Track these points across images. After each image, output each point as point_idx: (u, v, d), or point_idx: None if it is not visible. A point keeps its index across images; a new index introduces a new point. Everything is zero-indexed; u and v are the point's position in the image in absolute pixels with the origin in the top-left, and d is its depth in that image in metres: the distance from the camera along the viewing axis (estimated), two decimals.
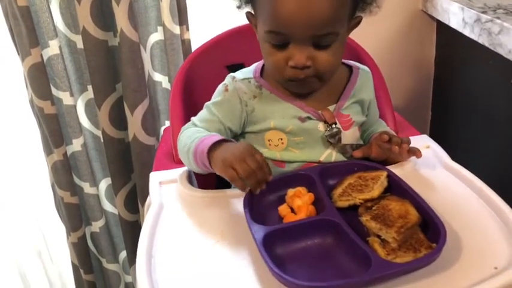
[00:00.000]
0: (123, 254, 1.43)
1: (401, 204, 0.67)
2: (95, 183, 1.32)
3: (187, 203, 0.78)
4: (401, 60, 1.36)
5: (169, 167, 0.89)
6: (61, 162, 1.24)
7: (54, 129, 1.20)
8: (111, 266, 1.43)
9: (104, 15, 1.12)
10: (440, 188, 0.77)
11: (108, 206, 1.37)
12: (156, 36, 1.20)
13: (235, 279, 0.62)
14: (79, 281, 1.42)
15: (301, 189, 0.74)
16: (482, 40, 1.04)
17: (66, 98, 1.21)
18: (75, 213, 1.31)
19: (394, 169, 0.78)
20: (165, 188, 0.82)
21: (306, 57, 0.74)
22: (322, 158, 0.83)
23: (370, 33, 1.11)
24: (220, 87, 0.85)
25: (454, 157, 0.83)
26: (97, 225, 1.36)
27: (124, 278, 1.47)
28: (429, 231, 0.64)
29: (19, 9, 1.07)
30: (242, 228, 0.69)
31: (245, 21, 0.83)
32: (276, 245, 0.64)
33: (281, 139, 0.82)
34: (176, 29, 1.17)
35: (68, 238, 1.36)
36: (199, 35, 1.22)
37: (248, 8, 0.81)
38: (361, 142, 0.89)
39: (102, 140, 1.25)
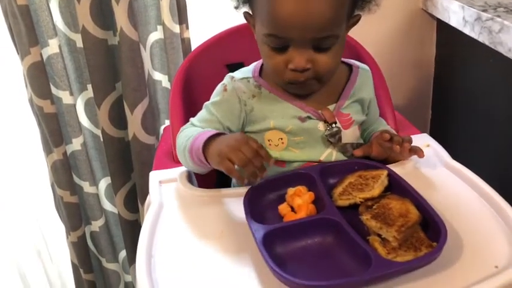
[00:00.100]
0: (122, 254, 1.43)
1: (401, 203, 0.67)
2: (94, 183, 1.32)
3: (187, 202, 0.78)
4: (401, 59, 1.36)
5: (169, 166, 0.88)
6: (61, 162, 1.23)
7: (54, 128, 1.20)
8: (110, 266, 1.43)
9: (103, 14, 1.11)
10: (440, 187, 0.77)
11: (107, 205, 1.37)
12: (155, 35, 1.20)
13: (235, 279, 0.62)
14: (79, 280, 1.41)
15: (302, 188, 0.74)
16: (483, 39, 1.04)
17: (65, 97, 1.21)
18: (75, 213, 1.31)
19: (395, 168, 0.78)
20: (165, 187, 0.82)
21: (305, 60, 0.74)
22: (322, 158, 0.83)
23: (370, 32, 1.11)
24: (219, 87, 0.85)
25: (454, 156, 0.83)
26: (97, 225, 1.36)
27: (124, 278, 1.47)
28: (430, 230, 0.64)
29: (18, 8, 1.07)
30: (242, 227, 0.69)
31: (245, 20, 0.83)
32: (276, 244, 0.64)
33: (281, 139, 0.82)
34: (176, 28, 1.17)
35: (67, 237, 1.35)
36: (199, 33, 1.22)
37: (246, 8, 0.81)
38: (361, 141, 0.89)
39: (101, 139, 1.25)
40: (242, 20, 0.83)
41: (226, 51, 1.06)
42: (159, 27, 1.18)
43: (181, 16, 1.18)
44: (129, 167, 1.27)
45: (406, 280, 0.59)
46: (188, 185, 0.81)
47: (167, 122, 1.29)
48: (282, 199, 0.74)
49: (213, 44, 1.05)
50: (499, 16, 0.99)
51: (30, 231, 1.47)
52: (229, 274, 0.63)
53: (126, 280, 1.47)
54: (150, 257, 0.66)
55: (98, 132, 1.26)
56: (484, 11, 1.04)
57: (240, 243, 0.67)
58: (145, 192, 0.87)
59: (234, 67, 0.98)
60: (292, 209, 0.72)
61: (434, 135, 0.91)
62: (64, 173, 1.25)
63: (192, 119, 0.85)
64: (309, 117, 0.82)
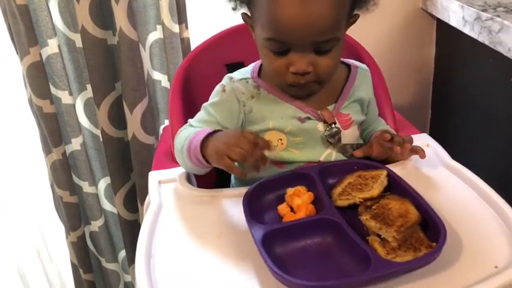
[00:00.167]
0: (122, 254, 1.43)
1: (401, 203, 0.67)
2: (94, 183, 1.32)
3: (187, 202, 0.78)
4: (401, 58, 1.36)
5: (169, 166, 0.88)
6: (60, 162, 1.23)
7: (53, 128, 1.20)
8: (110, 266, 1.43)
9: (103, 14, 1.11)
10: (440, 187, 0.77)
11: (107, 205, 1.37)
12: (155, 35, 1.19)
13: (234, 279, 0.62)
14: (78, 280, 1.41)
15: (301, 188, 0.74)
16: (482, 38, 1.03)
17: (65, 97, 1.20)
18: (75, 213, 1.31)
19: (394, 168, 0.78)
20: (164, 187, 0.82)
21: (306, 63, 0.74)
22: (322, 158, 0.83)
23: (369, 32, 1.11)
24: (217, 87, 0.85)
25: (454, 156, 0.83)
26: (96, 225, 1.36)
27: (123, 278, 1.47)
28: (429, 230, 0.64)
29: (18, 8, 1.07)
30: (241, 227, 0.69)
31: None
32: (276, 244, 0.64)
33: (280, 139, 0.82)
34: (175, 28, 1.17)
35: (67, 237, 1.35)
36: (199, 33, 1.22)
37: (244, 9, 0.80)
38: (361, 141, 0.89)
39: (101, 139, 1.25)
40: (242, 20, 0.83)
41: (226, 51, 1.05)
42: (159, 27, 1.18)
43: (181, 16, 1.17)
44: (129, 167, 1.27)
45: (405, 280, 0.59)
46: (187, 185, 0.81)
47: (167, 122, 1.29)
48: (281, 199, 0.74)
49: (213, 44, 1.05)
50: (498, 16, 0.99)
51: (30, 231, 1.47)
52: (229, 274, 0.63)
53: (125, 280, 1.47)
54: (150, 256, 0.66)
55: (98, 132, 1.26)
56: (483, 10, 1.04)
57: (239, 243, 0.67)
58: (145, 192, 0.87)
59: (233, 67, 0.98)
60: (292, 209, 0.72)
61: (433, 135, 0.91)
62: (63, 173, 1.25)
63: (190, 120, 0.84)
64: (309, 118, 0.82)
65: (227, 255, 0.66)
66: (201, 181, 0.87)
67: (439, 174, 0.79)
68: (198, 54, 1.04)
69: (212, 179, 0.95)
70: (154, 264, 0.65)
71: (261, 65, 0.85)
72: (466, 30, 1.10)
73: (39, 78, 1.15)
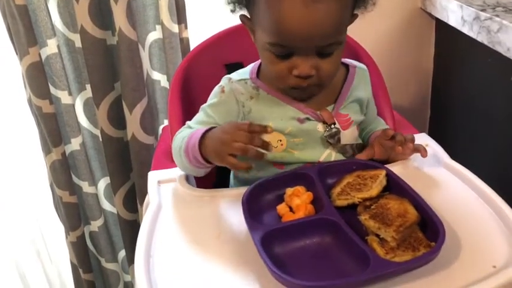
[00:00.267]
0: (122, 253, 1.43)
1: (400, 203, 0.67)
2: (93, 183, 1.32)
3: (186, 202, 0.78)
4: (400, 58, 1.36)
5: (168, 166, 0.88)
6: (59, 162, 1.23)
7: (53, 128, 1.20)
8: (110, 265, 1.43)
9: (102, 14, 1.11)
10: (439, 187, 0.77)
11: (107, 205, 1.37)
12: (154, 35, 1.19)
13: (233, 279, 0.62)
14: (78, 280, 1.42)
15: (300, 188, 0.74)
16: (481, 38, 1.04)
17: (64, 97, 1.20)
18: (74, 213, 1.31)
19: (393, 168, 0.78)
20: (164, 187, 0.82)
21: (310, 66, 0.74)
22: (321, 159, 0.83)
23: (369, 32, 1.11)
24: (216, 88, 0.85)
25: (453, 155, 0.83)
26: (96, 225, 1.36)
27: (123, 277, 1.47)
28: (428, 230, 0.64)
29: (17, 8, 1.07)
30: (241, 227, 0.69)
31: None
32: (275, 244, 0.64)
33: (280, 140, 0.82)
34: (175, 28, 1.17)
35: (66, 237, 1.35)
36: (198, 33, 1.22)
37: (243, 11, 0.80)
38: (360, 141, 0.89)
39: (100, 139, 1.25)
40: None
41: (225, 51, 1.05)
42: (158, 27, 1.18)
43: (180, 16, 1.17)
44: (128, 167, 1.27)
45: (404, 280, 0.59)
46: (187, 185, 0.81)
47: (166, 122, 1.29)
48: (280, 199, 0.74)
49: (212, 44, 1.05)
50: (497, 15, 0.99)
51: (30, 231, 1.47)
52: (228, 274, 0.63)
53: (125, 280, 1.47)
54: (149, 256, 0.66)
55: (97, 132, 1.26)
56: (482, 10, 1.04)
57: (239, 243, 0.67)
58: (144, 192, 0.87)
59: (232, 67, 0.98)
60: (291, 209, 0.72)
61: (433, 134, 0.91)
62: (63, 173, 1.25)
63: (188, 123, 0.84)
64: (308, 119, 0.82)
65: (226, 255, 0.66)
66: (200, 181, 0.87)
67: (438, 174, 0.79)
68: (197, 54, 1.04)
69: (211, 179, 0.95)
70: (154, 264, 0.65)
71: (260, 65, 0.85)
72: (465, 30, 1.10)
73: (38, 78, 1.15)
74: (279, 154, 0.82)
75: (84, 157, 1.28)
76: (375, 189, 0.71)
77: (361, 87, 0.87)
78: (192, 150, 0.75)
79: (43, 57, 1.15)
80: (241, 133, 0.68)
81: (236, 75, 0.85)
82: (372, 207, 0.68)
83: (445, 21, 1.20)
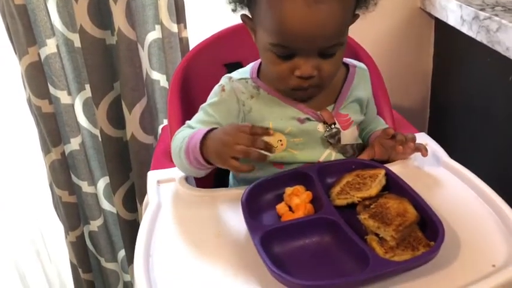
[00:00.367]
0: (121, 253, 1.43)
1: (399, 202, 0.67)
2: (93, 182, 1.32)
3: (185, 201, 0.78)
4: (399, 58, 1.36)
5: (167, 165, 0.88)
6: (59, 161, 1.23)
7: (52, 128, 1.20)
8: (109, 265, 1.43)
9: (101, 14, 1.11)
10: (438, 186, 0.77)
11: (106, 205, 1.37)
12: (153, 35, 1.19)
13: (233, 278, 0.62)
14: (78, 280, 1.42)
15: (299, 188, 0.74)
16: (481, 37, 1.04)
17: (63, 97, 1.20)
18: (74, 212, 1.31)
19: (393, 167, 0.78)
20: (163, 187, 0.82)
21: (312, 67, 0.74)
22: (321, 159, 0.83)
23: (368, 32, 1.11)
24: (216, 88, 0.84)
25: (453, 155, 0.83)
26: (95, 224, 1.36)
27: (123, 277, 1.47)
28: (427, 229, 0.64)
29: (16, 8, 1.07)
30: (240, 227, 0.69)
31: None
32: (274, 244, 0.64)
33: (280, 140, 0.82)
34: (174, 27, 1.17)
35: (66, 237, 1.35)
36: (197, 33, 1.22)
37: (244, 11, 0.80)
38: (360, 141, 0.89)
39: (100, 139, 1.25)
40: (240, 20, 0.83)
41: (224, 50, 1.05)
42: (157, 27, 1.18)
43: (179, 15, 1.17)
44: (128, 167, 1.27)
45: (403, 279, 0.59)
46: (186, 185, 0.81)
47: (165, 122, 1.29)
48: (280, 199, 0.74)
49: (211, 44, 1.05)
50: (496, 15, 0.99)
51: (29, 231, 1.47)
52: (227, 274, 0.63)
53: (125, 280, 1.47)
54: (148, 256, 0.66)
55: (96, 132, 1.26)
56: (481, 10, 1.04)
57: (238, 243, 0.67)
58: (144, 191, 0.87)
59: (232, 66, 0.98)
60: (290, 209, 0.72)
61: (432, 134, 0.91)
62: (62, 173, 1.25)
63: (188, 122, 0.83)
64: (308, 119, 0.82)
65: (225, 254, 0.66)
66: (200, 181, 0.87)
67: (437, 174, 0.80)
68: (196, 54, 1.04)
69: (211, 178, 0.95)
70: (153, 263, 0.65)
71: (260, 65, 0.85)
72: (464, 29, 1.10)
73: (37, 78, 1.14)
74: (278, 154, 0.82)
75: (84, 157, 1.28)
76: (374, 189, 0.71)
77: (361, 87, 0.87)
78: (192, 152, 0.74)
79: (42, 57, 1.15)
80: (243, 135, 0.68)
81: (236, 74, 0.85)
82: (371, 206, 0.68)
83: (445, 20, 1.20)
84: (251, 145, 0.67)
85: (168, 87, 1.24)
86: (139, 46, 1.17)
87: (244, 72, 0.85)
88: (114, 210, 1.35)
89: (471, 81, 1.22)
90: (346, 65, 0.87)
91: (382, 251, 0.61)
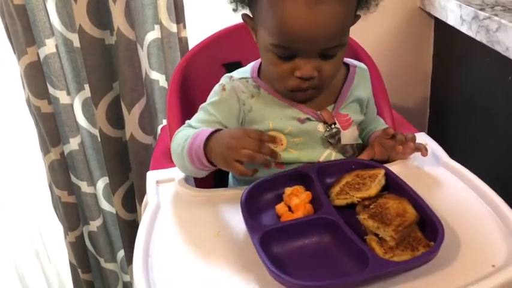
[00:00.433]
0: (121, 253, 1.43)
1: (399, 202, 0.67)
2: (92, 183, 1.32)
3: (185, 202, 0.78)
4: (399, 58, 1.36)
5: (167, 166, 0.88)
6: (58, 162, 1.23)
7: (51, 128, 1.20)
8: (109, 265, 1.43)
9: (100, 14, 1.11)
10: (438, 186, 0.77)
11: (105, 205, 1.37)
12: (153, 35, 1.19)
13: (232, 279, 0.62)
14: (77, 280, 1.41)
15: (299, 188, 0.74)
16: (480, 37, 1.04)
17: (63, 97, 1.20)
18: (73, 213, 1.30)
19: (392, 167, 0.78)
20: (162, 187, 0.82)
21: (312, 68, 0.74)
22: (321, 159, 0.83)
23: (368, 31, 1.11)
24: (216, 87, 0.84)
25: (453, 155, 0.83)
26: (95, 225, 1.36)
27: (122, 277, 1.46)
28: (427, 229, 0.64)
29: (15, 8, 1.07)
30: (239, 227, 0.69)
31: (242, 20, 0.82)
32: (273, 244, 0.64)
33: (280, 140, 0.82)
34: (173, 27, 1.17)
35: (65, 237, 1.35)
36: (197, 33, 1.21)
37: (245, 10, 0.80)
38: (360, 141, 0.89)
39: (99, 139, 1.24)
40: (239, 20, 0.83)
41: (224, 50, 1.05)
42: (157, 27, 1.18)
43: (179, 15, 1.17)
44: (127, 167, 1.27)
45: (403, 280, 0.59)
46: (185, 185, 0.81)
47: (165, 122, 1.29)
48: (279, 199, 0.74)
49: (211, 43, 1.05)
50: (496, 15, 0.99)
51: (28, 231, 1.46)
52: (226, 274, 0.63)
53: (124, 280, 1.47)
54: (147, 256, 0.66)
55: (96, 132, 1.25)
56: (481, 9, 1.04)
57: (237, 243, 0.67)
58: (143, 192, 0.87)
59: (231, 66, 0.98)
60: (290, 209, 0.71)
61: (432, 134, 0.91)
62: (62, 173, 1.25)
63: (188, 121, 0.83)
64: (309, 119, 0.82)
65: (225, 255, 0.66)
66: (199, 181, 0.87)
67: (437, 174, 0.79)
68: (195, 54, 1.04)
69: (210, 178, 0.94)
70: (152, 264, 0.65)
71: (260, 65, 0.85)
72: (464, 29, 1.10)
73: (36, 78, 1.14)
74: (278, 154, 0.82)
75: (83, 157, 1.27)
76: (373, 189, 0.71)
77: (361, 86, 0.87)
78: (196, 152, 0.73)
79: (41, 57, 1.15)
80: (249, 140, 0.68)
81: (237, 73, 0.85)
82: (371, 206, 0.67)
83: (444, 20, 1.20)
84: (257, 150, 0.67)
85: (167, 87, 1.24)
86: (138, 46, 1.17)
87: (245, 71, 0.85)
88: (113, 210, 1.35)
89: (471, 81, 1.22)
90: (347, 65, 0.87)
91: (381, 251, 0.61)
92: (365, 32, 1.01)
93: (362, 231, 0.65)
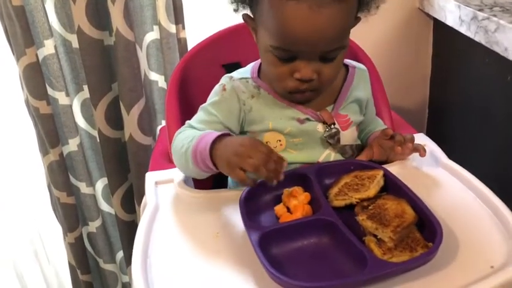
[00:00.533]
0: (120, 254, 1.42)
1: (397, 203, 0.67)
2: (91, 183, 1.32)
3: (183, 203, 0.78)
4: (398, 58, 1.36)
5: (166, 167, 0.88)
6: (57, 163, 1.23)
7: (50, 129, 1.20)
8: (108, 266, 1.42)
9: (99, 15, 1.11)
10: (436, 187, 0.77)
11: (104, 206, 1.37)
12: (152, 35, 1.19)
13: (231, 280, 0.62)
14: (76, 281, 1.41)
15: (298, 189, 0.74)
16: (479, 38, 1.04)
17: (61, 98, 1.20)
18: (72, 214, 1.30)
19: (391, 168, 0.78)
20: (161, 188, 0.82)
21: (312, 70, 0.74)
22: (321, 159, 0.83)
23: (367, 32, 1.10)
24: (217, 87, 0.84)
25: (452, 155, 0.83)
26: (94, 226, 1.36)
27: (121, 278, 1.46)
28: (425, 230, 0.64)
29: (14, 9, 1.07)
30: (238, 228, 0.69)
31: (241, 20, 0.82)
32: (272, 245, 0.64)
33: (279, 140, 0.82)
34: (172, 28, 1.17)
35: (64, 238, 1.35)
36: (195, 33, 1.21)
37: (246, 10, 0.80)
38: (359, 142, 0.89)
39: (98, 140, 1.24)
40: (238, 20, 0.83)
41: (223, 51, 1.05)
42: (155, 28, 1.18)
43: (178, 16, 1.17)
44: (126, 168, 1.27)
45: (402, 281, 0.59)
46: (184, 186, 0.81)
47: (164, 123, 1.29)
48: (278, 200, 0.74)
49: (210, 44, 1.05)
50: (495, 15, 0.99)
51: (28, 232, 1.46)
52: (225, 275, 0.63)
53: (123, 281, 1.47)
54: (146, 257, 0.66)
55: (95, 132, 1.25)
56: (480, 10, 1.04)
57: (236, 244, 0.67)
58: (142, 193, 0.87)
59: (230, 67, 0.98)
60: (288, 210, 0.71)
61: (431, 134, 0.91)
62: (60, 174, 1.25)
63: (189, 121, 0.83)
64: (308, 119, 0.82)
65: (224, 256, 0.66)
66: (198, 182, 0.87)
67: (435, 174, 0.79)
68: (194, 55, 1.04)
69: (210, 179, 0.94)
70: (151, 264, 0.65)
71: (260, 65, 0.85)
72: (463, 29, 1.10)
73: (35, 79, 1.14)
74: None
75: (82, 158, 1.27)
76: (372, 190, 0.71)
77: (360, 87, 0.87)
78: (201, 153, 0.73)
79: (40, 58, 1.15)
80: (258, 153, 0.67)
81: (237, 74, 0.85)
82: (370, 207, 0.68)
83: (443, 21, 1.20)
84: (263, 164, 0.67)
85: (166, 87, 1.24)
86: (137, 47, 1.17)
87: (245, 72, 0.85)
88: (112, 211, 1.35)
89: (470, 81, 1.22)
90: (346, 66, 0.87)
91: (380, 252, 0.61)
92: (364, 33, 1.01)
93: (361, 232, 0.65)
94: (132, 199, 1.30)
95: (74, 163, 1.28)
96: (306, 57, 0.73)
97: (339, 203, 0.71)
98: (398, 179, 0.72)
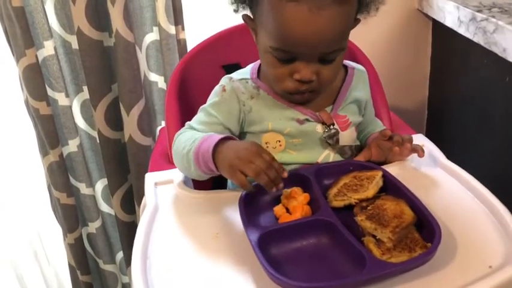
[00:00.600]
0: (119, 255, 1.43)
1: (396, 203, 0.67)
2: (91, 184, 1.32)
3: (183, 203, 0.78)
4: (397, 59, 1.36)
5: (165, 167, 0.88)
6: (57, 163, 1.23)
7: (50, 130, 1.20)
8: (108, 267, 1.43)
9: (99, 16, 1.11)
10: (435, 188, 0.77)
11: (104, 207, 1.37)
12: (151, 37, 1.19)
13: (230, 280, 0.62)
14: (76, 282, 1.41)
15: (297, 190, 0.74)
16: (478, 39, 1.04)
17: (61, 99, 1.20)
18: (72, 214, 1.30)
19: (390, 168, 0.78)
20: (161, 189, 0.82)
21: (311, 72, 0.74)
22: (320, 160, 0.83)
23: (366, 33, 1.11)
24: (217, 88, 0.84)
25: (451, 156, 0.83)
26: (94, 226, 1.36)
27: (121, 279, 1.46)
28: (424, 230, 0.64)
29: (13, 10, 1.07)
30: (238, 229, 0.69)
31: (241, 21, 0.82)
32: (271, 246, 0.64)
33: (279, 141, 0.82)
34: (172, 29, 1.17)
35: (64, 239, 1.35)
36: (195, 34, 1.22)
37: (246, 11, 0.80)
38: (358, 143, 0.89)
39: (98, 141, 1.24)
40: (238, 21, 0.83)
41: (222, 52, 1.05)
42: (155, 29, 1.18)
43: (177, 17, 1.17)
44: (126, 169, 1.27)
45: (400, 281, 0.59)
46: (184, 187, 0.81)
47: (163, 124, 1.29)
48: (277, 200, 0.74)
49: (209, 45, 1.05)
50: (493, 16, 0.99)
51: (27, 233, 1.46)
52: (225, 276, 0.63)
53: (123, 281, 1.47)
54: (146, 258, 0.66)
55: (94, 133, 1.26)
56: (478, 11, 1.04)
57: (236, 244, 0.67)
58: (142, 193, 0.87)
59: (230, 68, 0.98)
60: (288, 210, 0.72)
61: (430, 135, 0.91)
62: (60, 175, 1.25)
63: (189, 123, 0.83)
64: (307, 120, 0.82)
65: (223, 256, 0.66)
66: (198, 183, 0.87)
67: (434, 175, 0.80)
68: (194, 56, 1.04)
69: (209, 180, 0.94)
70: (151, 265, 0.65)
71: (260, 66, 0.85)
72: (462, 30, 1.10)
73: (35, 80, 1.15)
74: (277, 155, 0.82)
75: (82, 159, 1.28)
76: (371, 190, 0.71)
77: (359, 88, 0.87)
78: (203, 155, 0.73)
79: (40, 59, 1.15)
80: (261, 160, 0.68)
81: (236, 75, 0.85)
82: (369, 208, 0.68)
83: (442, 22, 1.21)
84: (264, 170, 0.68)
85: (166, 88, 1.24)
86: (137, 48, 1.17)
87: (245, 72, 0.85)
88: (112, 212, 1.35)
89: (468, 82, 1.22)
90: (345, 67, 0.88)
91: (379, 252, 0.61)
92: (363, 33, 1.01)
93: (359, 233, 0.65)
94: (131, 200, 1.31)
95: (74, 164, 1.28)
96: (305, 59, 0.73)
97: (338, 203, 0.71)
98: (397, 180, 0.72)
